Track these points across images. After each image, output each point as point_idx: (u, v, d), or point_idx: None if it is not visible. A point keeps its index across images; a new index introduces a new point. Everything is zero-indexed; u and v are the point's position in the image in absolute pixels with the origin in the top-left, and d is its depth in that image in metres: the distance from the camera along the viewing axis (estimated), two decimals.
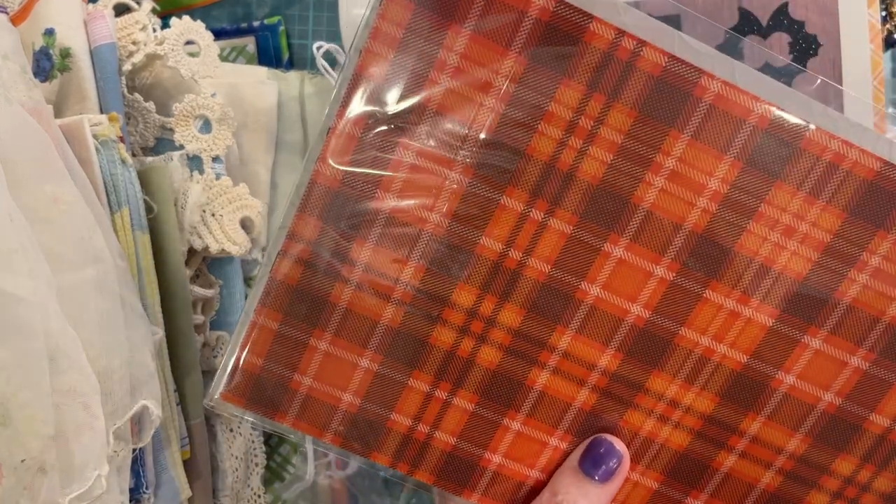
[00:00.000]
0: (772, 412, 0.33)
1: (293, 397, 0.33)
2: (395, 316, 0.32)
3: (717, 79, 0.29)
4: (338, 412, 0.33)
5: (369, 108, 0.30)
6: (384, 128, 0.30)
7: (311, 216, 0.31)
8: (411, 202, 0.31)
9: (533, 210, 0.31)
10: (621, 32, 0.29)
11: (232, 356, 0.33)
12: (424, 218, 0.31)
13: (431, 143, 0.30)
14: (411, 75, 0.30)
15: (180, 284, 0.38)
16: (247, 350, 0.33)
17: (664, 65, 0.29)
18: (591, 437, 0.34)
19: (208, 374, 0.40)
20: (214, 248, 0.39)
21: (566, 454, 0.34)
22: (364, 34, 0.30)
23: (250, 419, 0.34)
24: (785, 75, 0.35)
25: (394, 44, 0.30)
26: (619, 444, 0.33)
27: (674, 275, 0.31)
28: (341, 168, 0.31)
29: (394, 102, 0.30)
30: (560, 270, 0.31)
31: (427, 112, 0.30)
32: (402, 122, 0.30)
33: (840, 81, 0.37)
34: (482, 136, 0.30)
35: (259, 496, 0.43)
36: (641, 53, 0.29)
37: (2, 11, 0.33)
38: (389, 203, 0.31)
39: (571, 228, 0.31)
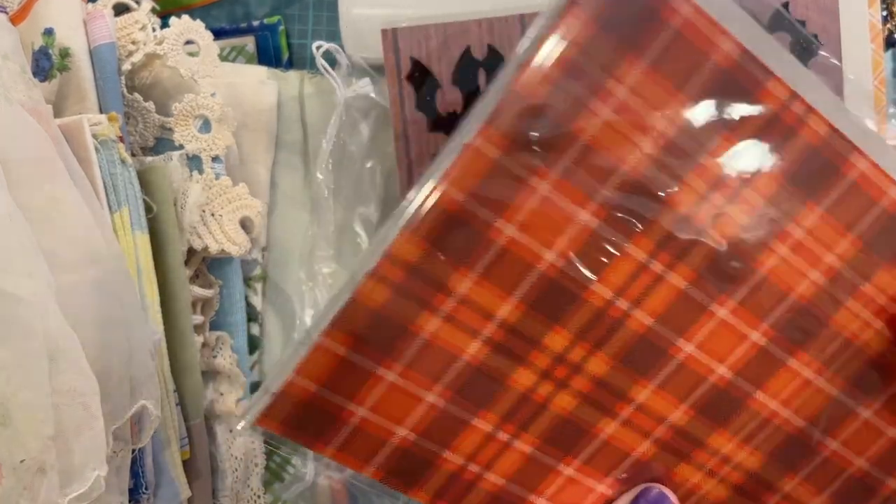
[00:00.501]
0: (809, 473, 0.33)
1: (341, 427, 0.31)
2: (478, 353, 0.30)
3: (867, 158, 0.29)
4: (387, 446, 0.31)
5: (514, 128, 0.27)
6: (525, 153, 0.28)
7: (419, 237, 0.28)
8: (531, 236, 0.29)
9: (653, 261, 0.30)
10: (794, 95, 0.28)
11: (278, 380, 0.30)
12: (540, 255, 0.29)
13: (572, 176, 0.28)
14: (572, 100, 0.27)
15: (180, 285, 0.38)
16: (298, 374, 0.30)
17: (824, 136, 0.29)
18: (643, 487, 0.33)
19: (208, 374, 0.40)
20: (214, 248, 0.39)
21: (609, 500, 0.33)
22: (530, 47, 0.27)
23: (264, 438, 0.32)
24: None
25: (563, 64, 0.27)
26: (674, 498, 0.33)
27: (766, 340, 0.31)
28: (467, 189, 0.28)
29: (543, 127, 0.27)
30: (662, 325, 0.31)
31: (577, 143, 0.28)
32: (546, 150, 0.28)
33: (840, 81, 0.37)
34: (627, 178, 0.28)
35: (259, 496, 0.43)
36: (807, 121, 0.28)
37: (1, 11, 0.33)
38: (508, 233, 0.29)
39: (686, 285, 0.30)
